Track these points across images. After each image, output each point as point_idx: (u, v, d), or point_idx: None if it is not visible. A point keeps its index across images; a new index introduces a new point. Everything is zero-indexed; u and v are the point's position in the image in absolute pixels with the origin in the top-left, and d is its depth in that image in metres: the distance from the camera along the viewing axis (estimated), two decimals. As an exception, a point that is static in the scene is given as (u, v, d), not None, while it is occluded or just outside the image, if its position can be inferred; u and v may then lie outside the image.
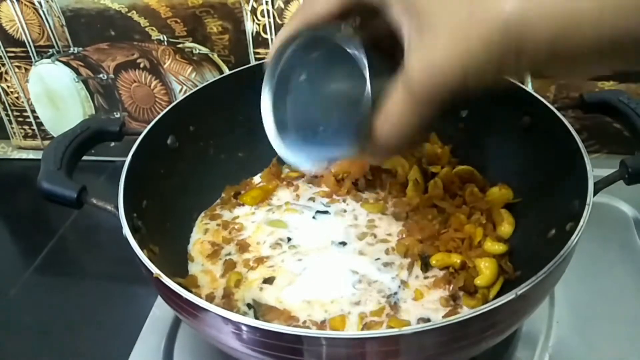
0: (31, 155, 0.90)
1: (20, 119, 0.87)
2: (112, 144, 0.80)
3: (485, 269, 0.50)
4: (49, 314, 0.63)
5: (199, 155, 0.60)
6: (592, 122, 0.73)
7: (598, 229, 0.45)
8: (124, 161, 0.48)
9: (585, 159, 0.46)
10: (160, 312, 0.57)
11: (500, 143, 0.59)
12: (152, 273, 0.40)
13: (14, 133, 0.89)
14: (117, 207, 0.43)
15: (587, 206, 0.42)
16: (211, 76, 0.78)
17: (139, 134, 0.49)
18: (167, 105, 0.72)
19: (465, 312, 0.36)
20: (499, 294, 0.49)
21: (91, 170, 0.80)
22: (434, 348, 0.37)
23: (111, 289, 0.66)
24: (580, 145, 0.47)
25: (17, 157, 0.90)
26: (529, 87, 0.57)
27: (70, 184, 0.43)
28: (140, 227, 0.45)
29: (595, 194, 0.43)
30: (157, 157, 0.53)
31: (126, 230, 0.42)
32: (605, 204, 0.65)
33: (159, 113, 0.54)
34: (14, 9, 0.76)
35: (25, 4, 0.76)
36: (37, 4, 0.76)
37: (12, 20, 0.77)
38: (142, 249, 0.42)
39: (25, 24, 0.78)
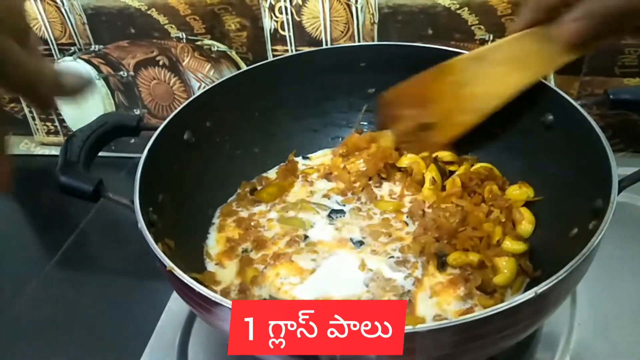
0: (53, 151, 0.92)
1: (43, 116, 0.89)
2: (132, 140, 0.81)
3: (504, 268, 0.49)
4: (68, 307, 0.64)
5: (215, 150, 0.60)
6: (617, 119, 0.71)
7: (621, 228, 0.43)
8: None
9: (610, 156, 0.44)
10: (176, 307, 0.57)
11: (521, 140, 0.58)
12: (165, 266, 0.40)
13: (37, 129, 0.91)
14: (132, 201, 0.44)
15: (611, 205, 0.41)
16: (229, 73, 0.78)
17: (156, 129, 0.50)
18: (186, 103, 0.72)
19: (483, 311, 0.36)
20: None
21: (111, 166, 0.81)
22: (450, 346, 0.37)
23: (129, 284, 0.66)
24: (605, 143, 0.46)
25: (39, 153, 0.92)
26: (552, 84, 0.56)
27: (87, 177, 0.43)
28: (156, 221, 0.45)
29: (619, 192, 0.42)
30: (173, 152, 0.53)
31: (141, 224, 0.42)
32: (628, 202, 0.63)
33: (177, 110, 0.54)
34: (37, 7, 0.78)
35: (48, 3, 0.77)
36: (59, 2, 0.77)
37: (35, 18, 0.79)
38: (157, 243, 0.42)
39: (48, 22, 0.79)
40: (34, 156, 0.92)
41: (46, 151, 0.92)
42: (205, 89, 0.57)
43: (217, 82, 0.58)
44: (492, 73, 0.52)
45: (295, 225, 0.57)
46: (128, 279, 0.67)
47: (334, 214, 0.58)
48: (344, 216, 0.58)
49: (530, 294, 0.35)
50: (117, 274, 0.68)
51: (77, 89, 0.37)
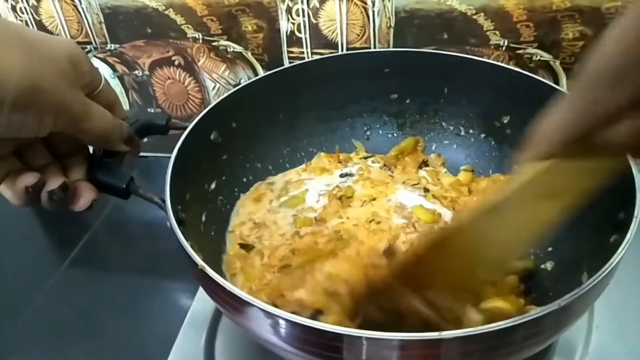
0: (66, 149, 0.91)
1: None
2: (145, 139, 0.82)
3: None
4: (86, 306, 0.64)
5: (240, 150, 0.60)
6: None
7: (638, 234, 0.44)
8: (156, 156, 0.49)
9: (633, 169, 0.44)
10: (200, 306, 0.57)
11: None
12: (196, 265, 0.41)
13: (50, 128, 0.91)
14: (162, 199, 0.44)
15: (634, 219, 0.41)
16: (244, 74, 0.79)
17: (184, 128, 0.50)
18: (200, 103, 0.72)
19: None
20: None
21: (124, 166, 0.82)
22: (474, 354, 0.37)
23: (146, 283, 0.66)
24: (628, 155, 0.46)
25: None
26: (564, 90, 0.56)
27: (119, 174, 0.44)
28: (184, 219, 0.46)
29: None
30: (201, 152, 0.53)
31: (172, 222, 0.42)
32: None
33: (192, 110, 0.55)
34: (54, 5, 0.78)
35: (65, 1, 0.77)
36: (76, 1, 0.77)
37: (51, 16, 0.79)
38: (186, 241, 0.42)
39: (65, 20, 0.79)
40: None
41: (58, 149, 0.92)
42: (232, 91, 0.57)
43: (243, 84, 0.59)
44: (514, 221, 0.36)
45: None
46: (144, 278, 0.67)
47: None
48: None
49: (554, 305, 0.36)
50: (133, 273, 0.68)
51: (132, 141, 0.46)
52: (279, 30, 0.74)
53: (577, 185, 0.34)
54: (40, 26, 0.80)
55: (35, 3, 0.78)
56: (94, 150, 0.46)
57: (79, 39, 0.80)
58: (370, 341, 0.35)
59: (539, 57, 0.70)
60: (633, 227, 0.40)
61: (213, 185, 0.56)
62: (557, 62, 0.70)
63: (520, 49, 0.69)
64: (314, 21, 0.72)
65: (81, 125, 0.40)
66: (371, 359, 0.37)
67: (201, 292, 0.58)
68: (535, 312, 0.35)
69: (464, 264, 0.38)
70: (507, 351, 0.38)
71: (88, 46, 0.81)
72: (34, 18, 0.80)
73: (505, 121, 0.62)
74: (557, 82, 0.71)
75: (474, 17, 0.68)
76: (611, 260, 0.38)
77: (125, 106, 0.84)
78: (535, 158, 0.32)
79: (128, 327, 0.61)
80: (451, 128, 0.66)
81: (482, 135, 0.64)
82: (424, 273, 0.38)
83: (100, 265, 0.71)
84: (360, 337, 0.36)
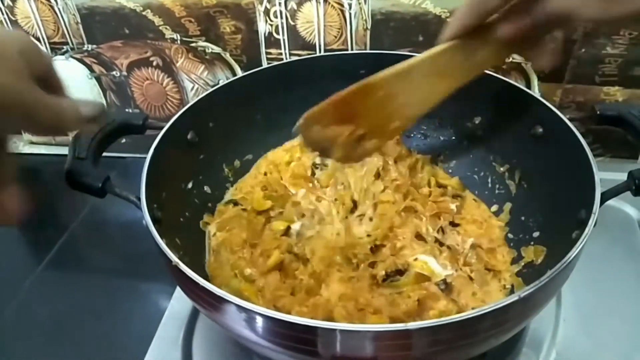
0: (42, 150, 0.91)
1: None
2: (123, 140, 0.81)
3: None
4: (63, 308, 0.64)
5: (217, 150, 0.61)
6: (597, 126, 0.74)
7: (605, 231, 0.46)
8: (135, 157, 0.49)
9: (594, 169, 0.46)
10: (178, 306, 0.58)
11: (511, 151, 0.60)
12: (171, 262, 0.41)
13: (26, 128, 0.90)
14: (138, 198, 0.44)
15: (592, 215, 0.43)
16: (223, 75, 0.79)
17: (161, 128, 0.50)
18: (179, 103, 0.72)
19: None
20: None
21: (103, 166, 0.81)
22: (441, 343, 0.38)
23: (124, 284, 0.66)
24: (590, 156, 0.48)
25: (28, 152, 0.91)
26: (539, 95, 0.58)
27: (95, 173, 0.44)
28: (160, 217, 0.46)
29: (602, 204, 0.44)
30: (177, 151, 0.54)
31: (147, 220, 0.43)
32: (612, 207, 0.65)
33: (170, 111, 0.55)
34: (30, 5, 0.78)
35: (41, 2, 0.77)
36: (52, 1, 0.77)
37: (27, 16, 0.79)
38: (161, 239, 0.42)
39: (41, 20, 0.79)
40: (22, 155, 0.90)
41: (35, 150, 0.91)
42: (209, 91, 0.58)
43: (221, 84, 0.59)
44: (419, 85, 0.48)
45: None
46: (122, 280, 0.67)
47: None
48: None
49: (514, 297, 0.37)
50: (110, 274, 0.68)
51: (94, 119, 0.41)
52: (257, 31, 0.75)
53: (462, 72, 0.47)
54: (16, 26, 0.80)
55: (11, 3, 0.78)
56: (70, 149, 0.46)
57: (56, 40, 0.80)
58: (343, 333, 0.37)
59: (511, 59, 0.72)
60: (591, 222, 0.42)
61: (190, 185, 0.57)
62: (529, 65, 0.72)
63: (492, 51, 0.71)
64: (292, 23, 0.73)
65: (37, 118, 0.37)
66: (344, 350, 0.38)
67: (179, 291, 0.59)
68: (497, 303, 0.37)
69: (380, 109, 0.49)
70: (474, 340, 0.39)
71: (65, 47, 0.80)
72: (9, 18, 0.79)
73: (477, 122, 0.63)
74: (528, 83, 0.73)
75: (448, 19, 0.70)
76: (569, 254, 0.40)
77: (103, 107, 0.84)
78: (445, 38, 0.45)
79: (106, 328, 0.61)
80: (424, 128, 0.67)
81: (454, 137, 0.66)
82: (353, 110, 0.49)
83: (77, 267, 0.71)
84: (334, 330, 0.37)
